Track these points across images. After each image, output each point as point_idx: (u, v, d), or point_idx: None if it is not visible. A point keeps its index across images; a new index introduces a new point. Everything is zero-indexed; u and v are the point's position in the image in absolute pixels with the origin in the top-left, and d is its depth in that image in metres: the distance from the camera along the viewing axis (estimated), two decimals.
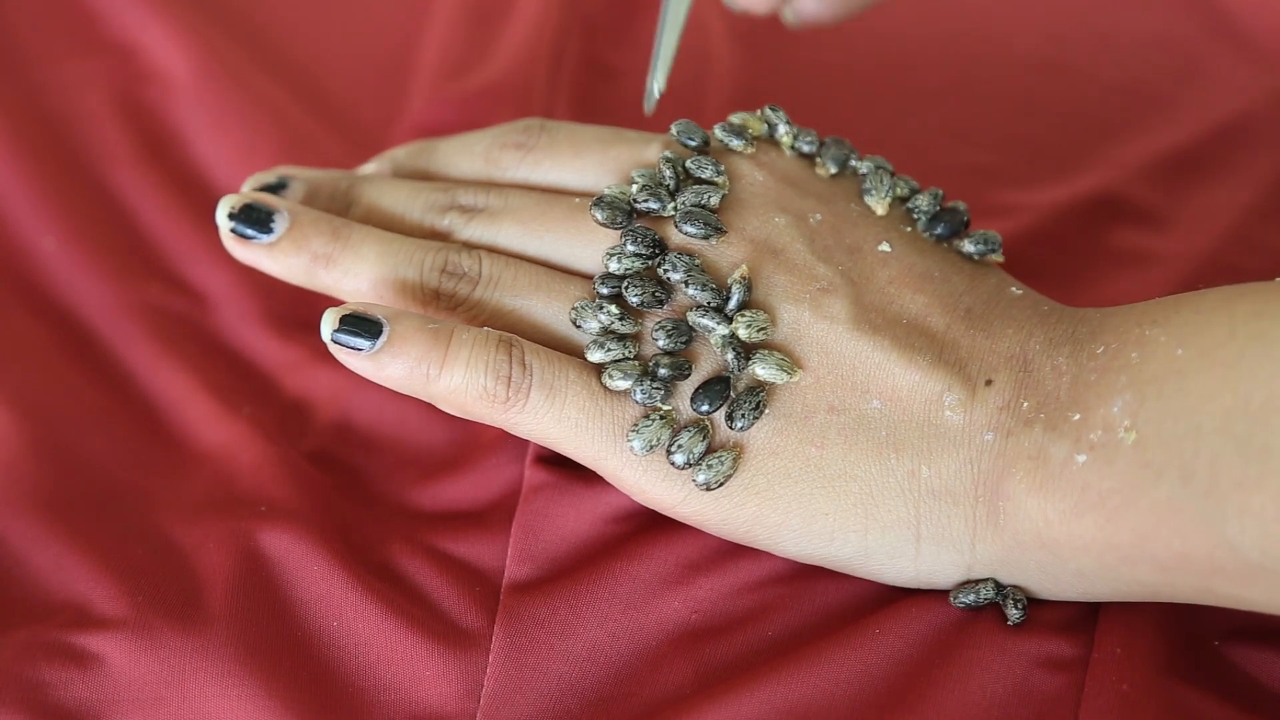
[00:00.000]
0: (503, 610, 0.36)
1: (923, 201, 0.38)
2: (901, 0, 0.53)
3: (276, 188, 0.40)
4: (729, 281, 0.35)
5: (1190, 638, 0.35)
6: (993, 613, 0.35)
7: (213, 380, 0.42)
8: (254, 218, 0.38)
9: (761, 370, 0.34)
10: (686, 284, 0.35)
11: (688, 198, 0.36)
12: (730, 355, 0.35)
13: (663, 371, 0.35)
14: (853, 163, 0.39)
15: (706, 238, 0.36)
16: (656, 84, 0.41)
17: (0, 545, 0.38)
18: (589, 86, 0.51)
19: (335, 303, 0.38)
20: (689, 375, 0.35)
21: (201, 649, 0.35)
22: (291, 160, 0.47)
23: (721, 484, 0.34)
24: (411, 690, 0.35)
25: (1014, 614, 0.34)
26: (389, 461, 0.41)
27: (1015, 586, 0.35)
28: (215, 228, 0.39)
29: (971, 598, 0.34)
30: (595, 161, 0.39)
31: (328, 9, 0.53)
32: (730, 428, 0.35)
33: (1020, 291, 0.37)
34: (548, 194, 0.39)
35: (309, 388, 0.42)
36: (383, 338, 0.35)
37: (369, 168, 0.42)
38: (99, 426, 0.41)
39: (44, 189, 0.46)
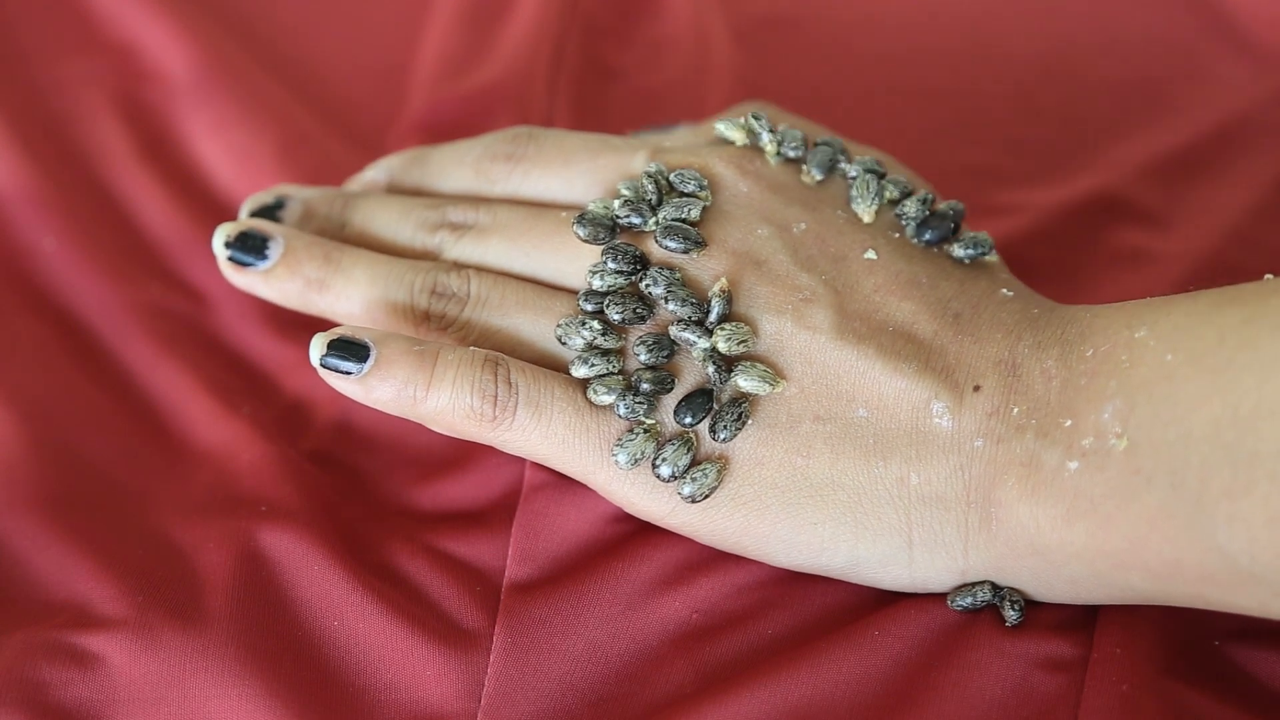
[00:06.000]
0: (503, 610, 0.36)
1: (910, 208, 0.38)
2: (902, 0, 0.53)
3: (274, 207, 0.40)
4: (709, 295, 0.35)
5: (1190, 638, 0.35)
6: (991, 614, 0.35)
7: (213, 380, 0.42)
8: (249, 244, 0.38)
9: (744, 382, 0.35)
10: (667, 299, 0.35)
11: (668, 212, 0.37)
12: (711, 368, 0.35)
13: (645, 386, 0.35)
14: (841, 165, 0.39)
15: (686, 251, 0.36)
16: None
17: (0, 545, 0.38)
18: (589, 86, 0.51)
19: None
20: (671, 389, 0.35)
21: (202, 649, 0.35)
22: (292, 160, 0.47)
23: (707, 496, 0.35)
24: (412, 690, 0.35)
25: (1011, 615, 0.34)
26: (389, 461, 0.41)
27: (1012, 588, 0.35)
28: (215, 227, 0.39)
29: (969, 600, 0.34)
30: (583, 171, 0.39)
31: (328, 9, 0.53)
32: (714, 439, 0.35)
33: (1011, 294, 0.37)
34: (534, 209, 0.39)
35: (309, 388, 0.42)
36: (370, 360, 0.35)
37: (365, 175, 0.42)
38: (99, 426, 0.41)
39: (44, 189, 0.46)
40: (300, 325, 0.43)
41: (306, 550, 0.37)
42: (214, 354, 0.43)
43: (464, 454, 0.40)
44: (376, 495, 0.40)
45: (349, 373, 0.35)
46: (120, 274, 0.44)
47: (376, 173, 0.42)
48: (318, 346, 0.35)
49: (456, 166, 0.41)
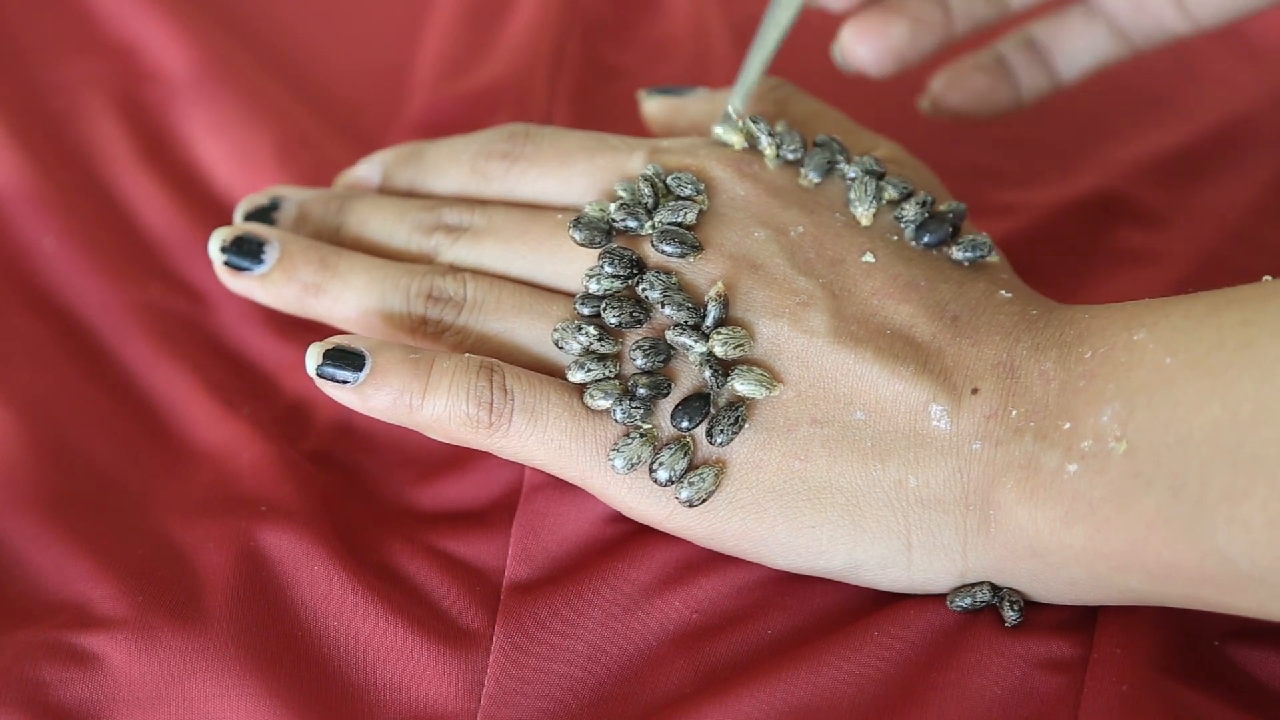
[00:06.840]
0: (503, 610, 0.36)
1: (909, 211, 0.37)
2: None
3: (269, 209, 0.40)
4: (705, 298, 0.35)
5: (1190, 638, 0.35)
6: (991, 614, 0.35)
7: (213, 380, 0.42)
8: (246, 249, 0.38)
9: (741, 386, 0.35)
10: (663, 303, 0.35)
11: (664, 215, 0.36)
12: (708, 373, 0.35)
13: (641, 391, 0.35)
14: (840, 166, 0.38)
15: (683, 255, 0.36)
16: (733, 104, 0.40)
17: (0, 545, 0.38)
18: (589, 86, 0.51)
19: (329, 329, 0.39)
20: (668, 393, 0.35)
21: (201, 649, 0.35)
22: (291, 160, 0.47)
23: (704, 500, 0.35)
24: (412, 690, 0.35)
25: (1011, 615, 0.34)
26: (389, 461, 0.41)
27: (1011, 589, 0.35)
28: (215, 227, 0.39)
29: (968, 600, 0.34)
30: (580, 172, 0.39)
31: (328, 9, 0.53)
32: (710, 443, 0.35)
33: (1009, 295, 0.36)
34: (530, 211, 0.39)
35: (309, 387, 0.42)
36: (365, 369, 0.35)
37: (359, 170, 0.42)
38: (99, 426, 0.41)
39: (44, 189, 0.46)
40: (301, 325, 0.43)
41: (306, 550, 0.37)
42: (214, 354, 0.43)
43: (464, 454, 0.40)
44: (376, 495, 0.40)
45: (345, 382, 0.35)
46: (120, 274, 0.44)
47: (370, 168, 0.42)
48: (314, 356, 0.36)
49: (452, 164, 0.41)
